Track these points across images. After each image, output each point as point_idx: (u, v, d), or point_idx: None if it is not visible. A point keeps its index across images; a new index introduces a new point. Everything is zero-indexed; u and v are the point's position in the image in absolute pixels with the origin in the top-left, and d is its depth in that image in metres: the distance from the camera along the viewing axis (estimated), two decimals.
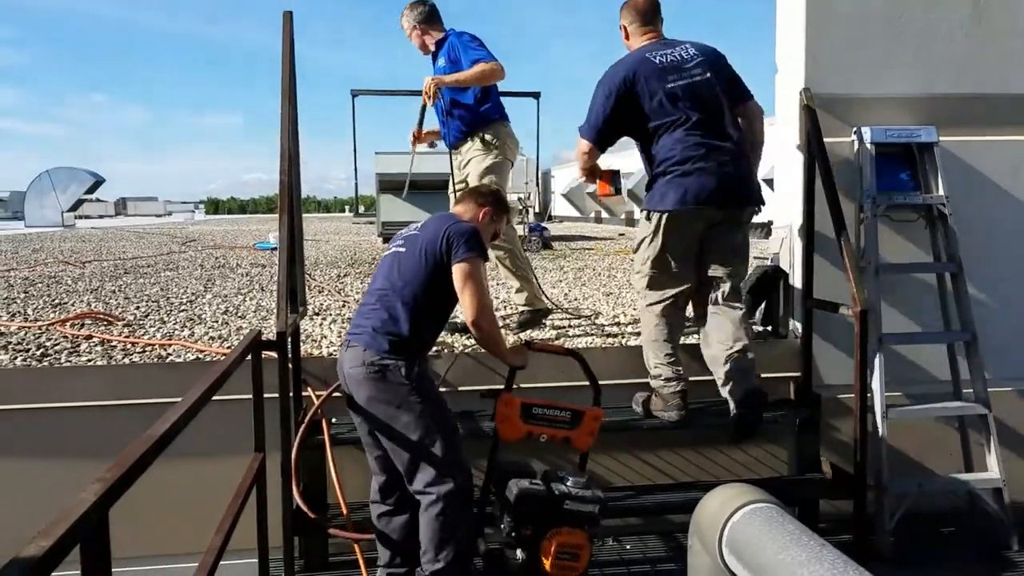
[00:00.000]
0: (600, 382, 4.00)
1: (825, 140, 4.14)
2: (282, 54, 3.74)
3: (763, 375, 4.40)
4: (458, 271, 3.19)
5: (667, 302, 3.89)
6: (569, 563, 3.11)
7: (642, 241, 3.90)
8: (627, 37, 4.00)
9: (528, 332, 4.87)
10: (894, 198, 4.24)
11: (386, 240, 13.23)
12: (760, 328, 4.76)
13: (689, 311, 4.09)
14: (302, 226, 4.14)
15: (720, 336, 3.81)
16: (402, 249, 3.37)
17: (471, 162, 4.81)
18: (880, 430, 3.96)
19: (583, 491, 3.18)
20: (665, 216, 3.73)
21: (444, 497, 3.10)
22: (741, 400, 3.74)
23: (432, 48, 4.89)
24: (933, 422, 4.38)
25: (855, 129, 4.32)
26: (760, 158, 3.96)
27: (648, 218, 3.85)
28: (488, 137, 4.79)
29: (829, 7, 4.31)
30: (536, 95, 14.18)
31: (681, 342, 4.08)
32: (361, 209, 25.40)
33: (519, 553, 3.20)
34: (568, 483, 3.21)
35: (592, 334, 4.91)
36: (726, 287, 3.84)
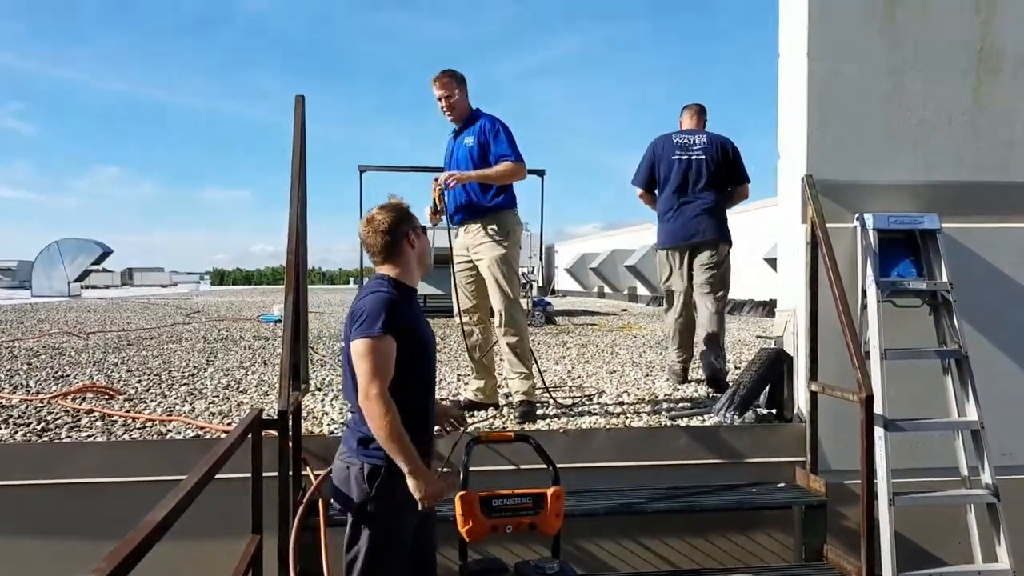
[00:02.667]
0: (602, 464, 3.99)
1: (828, 226, 4.19)
2: (293, 136, 3.83)
3: (768, 459, 4.38)
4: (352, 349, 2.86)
5: (675, 311, 5.80)
6: None
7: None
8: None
9: (481, 420, 4.71)
10: (898, 284, 4.26)
11: None
12: (765, 411, 4.73)
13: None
14: (307, 303, 4.16)
15: (699, 321, 5.60)
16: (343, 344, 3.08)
17: (482, 247, 4.76)
18: (887, 518, 3.89)
19: None
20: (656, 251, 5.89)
21: None
22: (708, 379, 5.61)
23: (460, 121, 4.89)
24: (942, 510, 4.30)
25: (857, 215, 4.36)
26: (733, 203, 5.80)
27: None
28: (501, 225, 4.78)
29: (830, 95, 4.40)
30: (541, 173, 14.39)
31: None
32: (365, 281, 25.52)
33: None
34: (544, 570, 3.13)
35: (595, 414, 4.88)
36: (703, 291, 5.54)
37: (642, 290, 21.74)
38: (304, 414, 4.70)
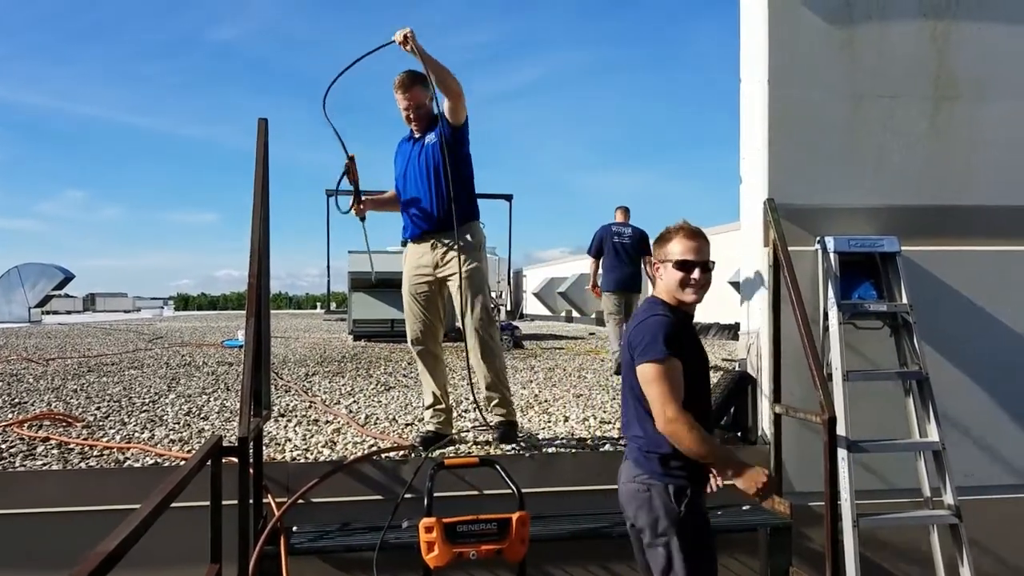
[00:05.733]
0: (568, 488, 3.96)
1: (789, 249, 4.23)
2: (256, 160, 3.79)
3: (733, 482, 4.37)
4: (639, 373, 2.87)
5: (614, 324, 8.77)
6: None
7: None
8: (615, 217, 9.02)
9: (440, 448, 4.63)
10: (859, 306, 4.31)
11: (357, 338, 13.12)
12: (729, 434, 4.74)
13: None
14: (269, 329, 4.11)
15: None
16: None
17: (453, 262, 4.45)
18: (851, 539, 3.91)
19: None
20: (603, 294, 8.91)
21: None
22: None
23: (424, 121, 4.55)
24: (905, 530, 4.34)
25: (818, 238, 4.42)
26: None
27: None
28: (472, 237, 4.52)
29: (790, 120, 4.46)
30: (509, 197, 14.44)
31: None
32: (333, 306, 25.31)
33: None
34: None
35: (562, 438, 4.86)
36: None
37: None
38: (266, 441, 4.63)
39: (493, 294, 15.75)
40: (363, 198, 4.70)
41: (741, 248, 4.87)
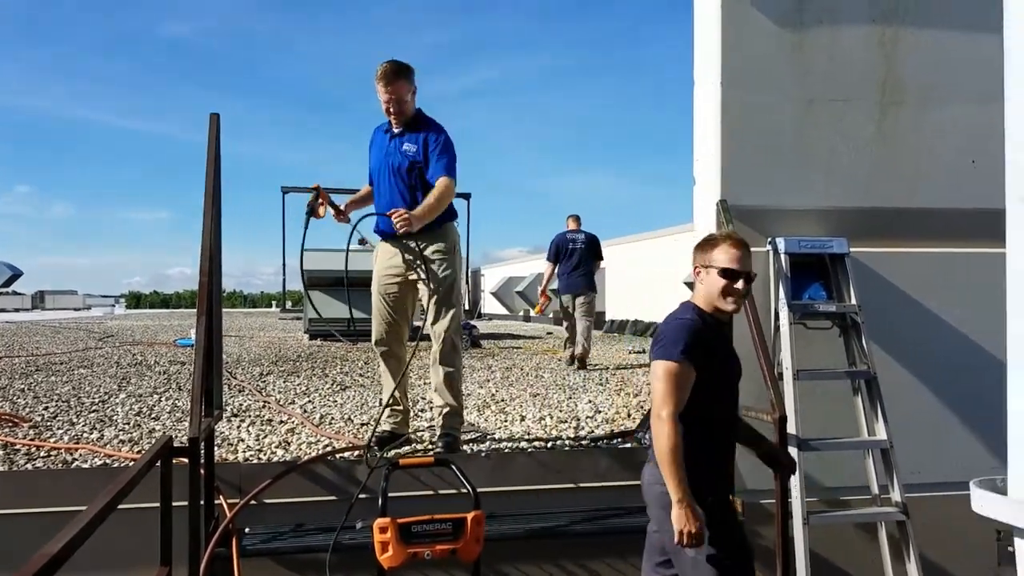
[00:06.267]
0: (524, 487, 3.97)
1: None
2: (207, 156, 3.74)
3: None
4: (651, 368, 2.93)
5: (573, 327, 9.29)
6: None
7: None
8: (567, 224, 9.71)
9: (394, 449, 4.45)
10: (809, 307, 4.38)
11: (313, 337, 13.00)
12: None
13: None
14: (221, 327, 4.06)
15: (578, 328, 9.20)
16: None
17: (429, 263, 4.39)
18: (802, 536, 3.98)
19: None
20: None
21: None
22: (579, 356, 9.08)
23: (403, 123, 4.44)
24: (854, 527, 4.41)
25: (770, 240, 4.48)
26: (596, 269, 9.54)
27: None
28: (447, 240, 4.46)
29: (743, 123, 4.51)
30: (467, 196, 14.42)
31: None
32: (288, 305, 25.06)
33: None
34: None
35: (518, 437, 4.87)
36: (579, 315, 9.20)
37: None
38: (218, 441, 4.57)
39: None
40: (342, 206, 4.65)
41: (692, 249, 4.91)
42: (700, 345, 2.87)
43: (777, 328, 4.37)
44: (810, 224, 4.55)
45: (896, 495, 4.20)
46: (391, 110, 4.39)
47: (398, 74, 4.32)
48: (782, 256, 4.39)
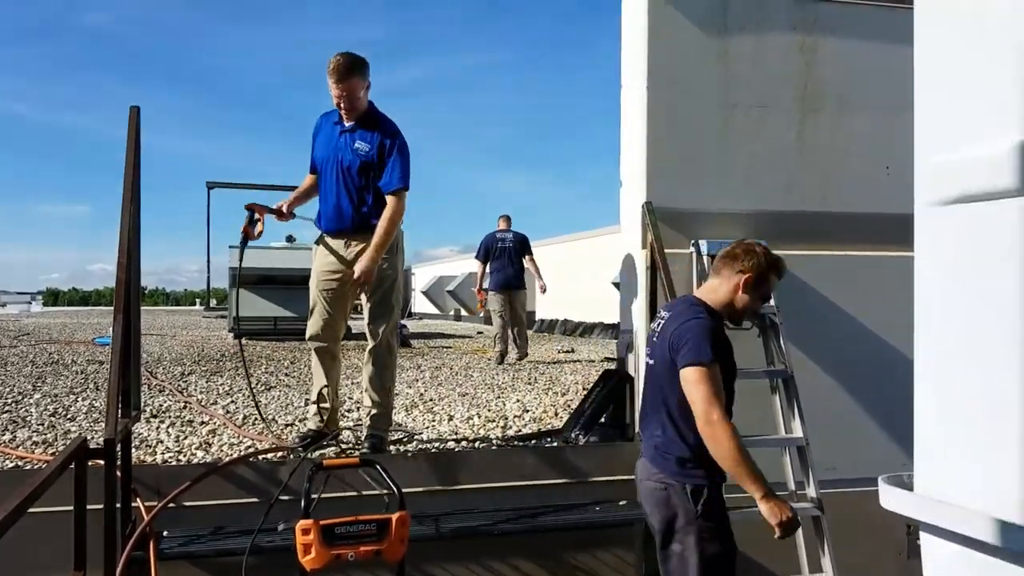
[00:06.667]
0: (450, 487, 3.96)
1: (666, 251, 4.36)
2: (127, 149, 3.65)
3: (612, 477, 4.47)
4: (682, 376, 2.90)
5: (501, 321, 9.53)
6: None
7: None
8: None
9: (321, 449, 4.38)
10: None
11: (237, 336, 12.74)
12: (610, 431, 4.84)
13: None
14: (139, 325, 3.96)
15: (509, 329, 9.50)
16: (651, 362, 3.11)
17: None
18: None
19: None
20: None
21: None
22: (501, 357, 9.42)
23: (355, 118, 4.32)
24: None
25: (693, 241, 4.57)
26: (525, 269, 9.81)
27: None
28: (394, 241, 4.35)
29: (668, 126, 4.59)
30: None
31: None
32: (213, 303, 24.54)
33: None
34: None
35: (446, 436, 4.87)
36: (511, 313, 9.52)
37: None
38: (136, 442, 4.46)
39: None
40: (284, 207, 4.55)
41: (621, 250, 4.98)
42: (720, 343, 2.95)
43: None
44: (732, 226, 4.65)
45: (812, 491, 4.31)
46: (343, 106, 4.25)
47: (351, 69, 4.18)
48: (705, 258, 4.48)
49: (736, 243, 3.21)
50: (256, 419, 5.29)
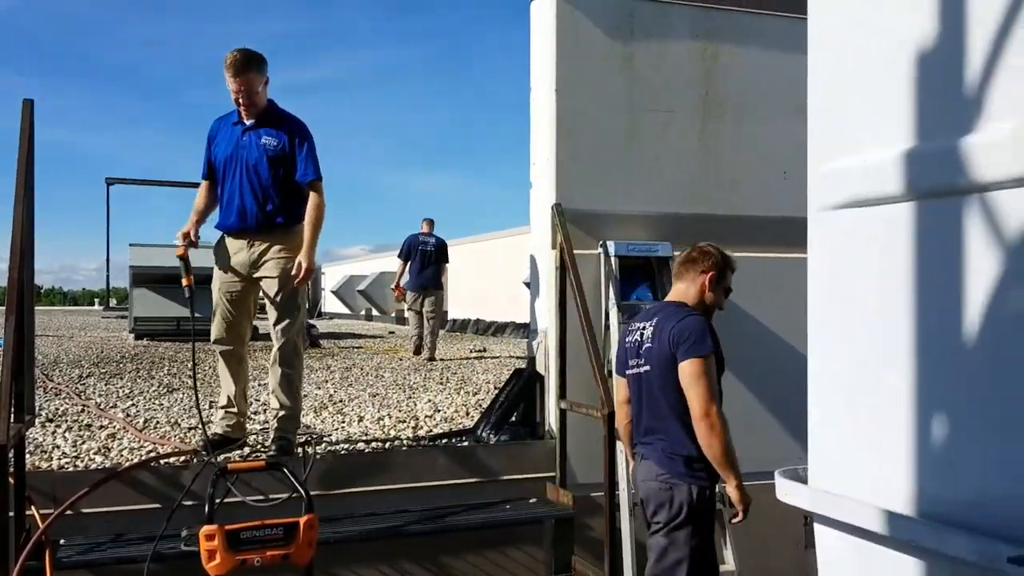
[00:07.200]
0: (359, 488, 3.94)
1: (575, 252, 4.43)
2: (19, 144, 3.51)
3: (522, 476, 4.52)
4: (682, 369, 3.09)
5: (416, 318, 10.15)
6: None
7: None
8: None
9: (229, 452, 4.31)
10: (636, 307, 4.58)
11: (139, 337, 12.32)
12: (520, 430, 4.89)
13: None
14: (33, 325, 3.81)
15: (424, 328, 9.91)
16: (645, 369, 3.25)
17: (269, 264, 4.23)
18: (628, 526, 4.16)
19: None
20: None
21: None
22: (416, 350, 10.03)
23: (256, 115, 4.23)
24: None
25: (601, 243, 4.66)
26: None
27: None
28: (296, 243, 4.26)
29: (576, 129, 4.67)
30: None
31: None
32: (113, 303, 23.70)
33: None
34: None
35: (355, 438, 4.84)
36: (428, 309, 9.84)
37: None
38: (31, 448, 4.28)
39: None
40: (192, 234, 4.35)
41: (531, 250, 5.04)
42: (715, 337, 3.16)
43: (607, 327, 4.55)
44: (638, 228, 4.76)
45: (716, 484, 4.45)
46: (241, 102, 4.17)
47: (248, 64, 4.11)
48: (612, 259, 4.58)
49: (691, 247, 3.46)
50: (158, 423, 5.15)
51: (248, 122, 4.25)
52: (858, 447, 1.95)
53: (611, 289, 4.55)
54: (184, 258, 4.25)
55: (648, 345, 3.22)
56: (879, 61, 1.87)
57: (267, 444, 4.50)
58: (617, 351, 3.53)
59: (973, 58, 1.61)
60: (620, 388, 3.48)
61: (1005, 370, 1.52)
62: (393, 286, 10.92)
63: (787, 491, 2.19)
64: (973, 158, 1.58)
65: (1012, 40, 1.50)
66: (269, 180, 4.22)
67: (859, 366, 1.93)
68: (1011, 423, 1.47)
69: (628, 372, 3.36)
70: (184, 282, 4.21)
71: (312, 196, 4.27)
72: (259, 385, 6.43)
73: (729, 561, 4.35)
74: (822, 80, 2.08)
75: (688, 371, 3.05)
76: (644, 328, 3.28)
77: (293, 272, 4.18)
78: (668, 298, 3.43)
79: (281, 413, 4.32)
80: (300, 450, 4.36)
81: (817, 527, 2.12)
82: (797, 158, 2.22)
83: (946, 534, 1.62)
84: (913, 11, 1.75)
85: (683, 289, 3.36)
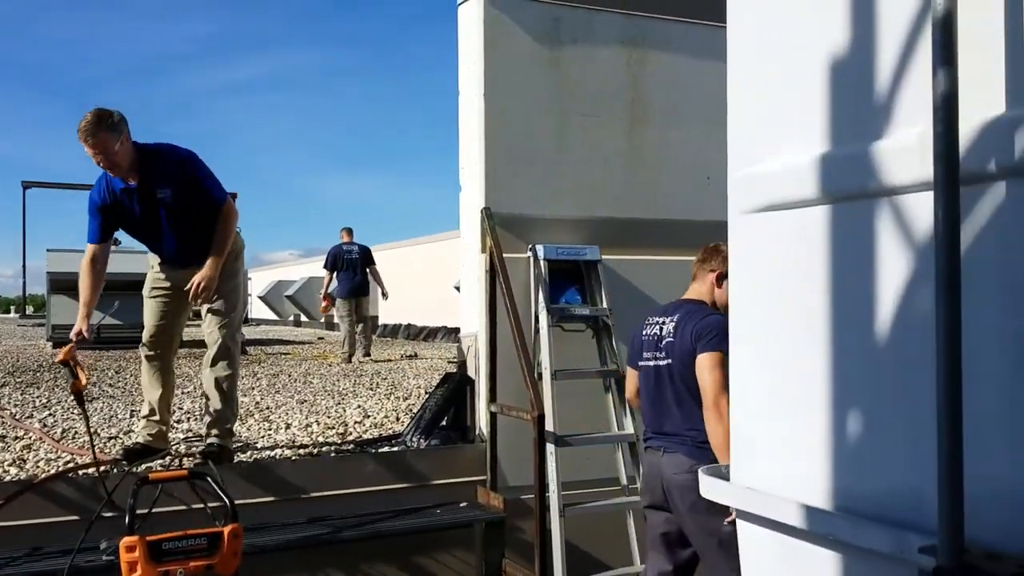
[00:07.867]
0: (287, 496, 3.88)
1: (505, 256, 4.45)
2: None
3: (452, 480, 4.52)
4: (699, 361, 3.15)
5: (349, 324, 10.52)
6: None
7: None
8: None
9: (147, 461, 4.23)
10: (565, 310, 4.64)
11: (57, 345, 11.91)
12: (450, 434, 4.88)
13: None
14: None
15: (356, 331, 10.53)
16: (666, 362, 3.29)
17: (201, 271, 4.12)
18: (558, 528, 4.18)
19: None
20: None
21: None
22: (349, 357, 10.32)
23: (131, 171, 4.04)
24: (607, 517, 4.68)
25: (531, 246, 4.68)
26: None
27: None
28: (234, 246, 4.29)
29: (503, 133, 4.68)
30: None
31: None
32: (30, 310, 22.89)
33: None
34: None
35: (282, 446, 4.76)
36: (358, 316, 10.42)
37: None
38: None
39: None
40: (84, 330, 4.21)
41: (461, 254, 5.04)
42: None
43: (537, 330, 4.58)
44: (567, 232, 4.80)
45: (642, 484, 4.51)
46: (103, 165, 3.97)
47: (98, 127, 3.86)
48: (541, 262, 4.60)
49: (703, 247, 3.53)
50: (76, 433, 4.99)
51: (133, 183, 4.08)
52: (778, 445, 2.00)
53: (541, 292, 4.57)
54: (67, 362, 3.89)
55: (670, 340, 3.31)
56: (794, 68, 1.93)
57: (191, 452, 4.42)
58: (631, 343, 3.59)
59: (883, 66, 1.66)
60: (631, 380, 3.58)
61: (911, 369, 1.58)
62: (322, 295, 11.45)
63: (710, 488, 2.23)
64: (883, 162, 1.64)
65: (919, 49, 1.56)
66: (188, 225, 4.17)
67: (778, 366, 1.98)
68: (918, 420, 1.52)
69: (641, 364, 3.45)
70: (74, 387, 3.87)
71: (223, 210, 4.21)
72: (182, 393, 6.29)
73: None
74: (740, 86, 2.13)
75: (705, 363, 3.15)
76: (664, 323, 3.38)
77: (186, 288, 4.06)
78: (686, 296, 3.51)
79: (214, 418, 4.23)
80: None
81: (740, 523, 2.16)
82: (720, 163, 2.27)
83: (861, 527, 1.67)
84: (826, 20, 1.80)
85: (697, 288, 3.47)
